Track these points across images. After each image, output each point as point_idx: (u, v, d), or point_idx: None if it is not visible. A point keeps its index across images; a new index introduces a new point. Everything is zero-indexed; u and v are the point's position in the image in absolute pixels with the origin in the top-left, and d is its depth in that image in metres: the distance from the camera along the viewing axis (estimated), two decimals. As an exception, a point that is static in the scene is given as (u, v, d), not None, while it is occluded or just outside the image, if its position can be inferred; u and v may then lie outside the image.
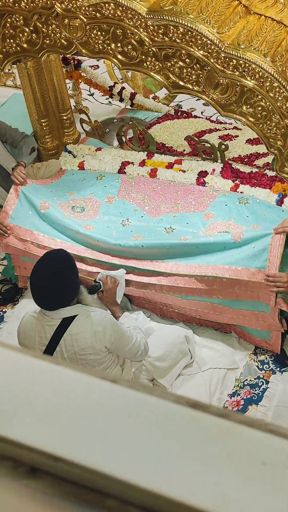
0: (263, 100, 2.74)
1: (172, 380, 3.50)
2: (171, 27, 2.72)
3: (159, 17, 2.71)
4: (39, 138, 4.71)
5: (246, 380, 3.55)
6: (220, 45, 2.67)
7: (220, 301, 3.63)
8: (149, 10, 2.71)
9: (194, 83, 2.85)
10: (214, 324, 3.81)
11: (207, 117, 5.24)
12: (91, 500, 0.59)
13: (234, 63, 2.70)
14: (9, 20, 3.06)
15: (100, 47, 2.94)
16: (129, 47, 2.88)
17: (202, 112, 5.65)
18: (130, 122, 4.59)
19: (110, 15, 2.81)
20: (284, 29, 2.77)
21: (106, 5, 2.79)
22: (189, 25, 2.67)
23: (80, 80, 5.24)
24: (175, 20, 2.68)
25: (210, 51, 2.70)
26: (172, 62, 2.84)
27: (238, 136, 4.57)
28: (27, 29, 3.05)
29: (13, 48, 3.15)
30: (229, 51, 2.67)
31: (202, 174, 4.06)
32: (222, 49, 2.67)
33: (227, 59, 2.69)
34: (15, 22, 3.05)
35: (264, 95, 2.72)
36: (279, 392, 3.42)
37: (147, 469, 0.59)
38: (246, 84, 2.72)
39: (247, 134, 4.50)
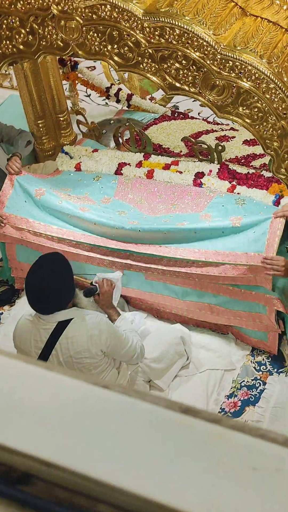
0: (260, 102, 2.74)
1: (168, 381, 3.50)
2: (167, 28, 2.72)
3: (155, 18, 2.71)
4: (35, 139, 4.71)
5: (243, 381, 3.55)
6: (216, 47, 2.67)
7: (217, 301, 3.63)
8: (145, 12, 2.71)
9: (190, 85, 2.85)
10: (211, 325, 3.81)
11: (204, 118, 5.24)
12: (84, 506, 0.59)
13: (230, 64, 2.69)
14: (5, 21, 3.06)
15: (97, 48, 2.94)
16: (125, 48, 2.88)
17: (199, 113, 5.64)
18: (127, 123, 4.58)
19: (106, 16, 2.81)
20: (280, 30, 2.77)
21: (103, 6, 2.79)
22: (185, 26, 2.67)
23: (76, 81, 5.24)
24: (171, 21, 2.68)
25: (206, 52, 2.70)
26: (169, 64, 2.83)
27: (234, 137, 4.57)
28: (23, 31, 3.05)
29: (9, 50, 3.14)
30: (225, 52, 2.67)
31: (199, 175, 4.06)
32: (218, 50, 2.67)
33: (223, 61, 2.69)
34: (11, 23, 3.05)
35: (260, 97, 2.72)
36: (276, 393, 3.42)
37: (138, 474, 0.59)
38: (242, 86, 2.72)
39: (243, 135, 4.50)
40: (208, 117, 5.31)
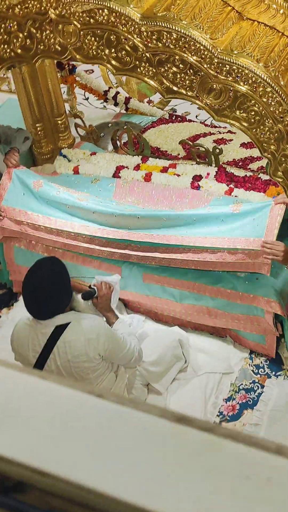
0: (256, 105, 2.75)
1: (167, 385, 3.50)
2: (165, 33, 2.72)
3: (153, 23, 2.71)
4: (34, 143, 4.72)
5: (242, 384, 3.55)
6: (213, 51, 2.67)
7: (215, 304, 3.64)
8: (143, 16, 2.72)
9: (187, 88, 2.85)
10: (209, 328, 3.81)
11: (202, 121, 5.25)
12: (78, 514, 0.59)
13: (227, 68, 2.70)
14: (2, 25, 3.06)
15: (94, 52, 2.94)
16: (123, 52, 2.88)
17: (196, 116, 5.65)
18: (125, 126, 4.59)
19: (104, 21, 2.81)
20: (277, 34, 2.77)
21: (100, 11, 2.80)
22: (182, 31, 2.67)
23: (74, 85, 5.25)
24: (168, 26, 2.68)
25: (203, 56, 2.71)
26: (166, 68, 2.84)
27: (232, 140, 4.58)
28: (21, 35, 3.05)
29: (7, 54, 3.15)
30: (222, 56, 2.68)
31: (197, 178, 4.06)
32: (215, 54, 2.67)
33: (220, 65, 2.70)
34: (9, 27, 3.05)
35: (257, 100, 2.72)
36: (275, 397, 3.43)
37: (132, 483, 0.59)
38: (239, 89, 2.72)
39: (241, 138, 4.51)
40: (205, 120, 5.32)
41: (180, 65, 2.79)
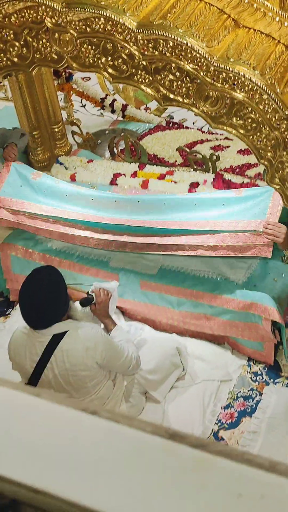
0: (253, 112, 2.75)
1: (165, 393, 3.49)
2: (161, 41, 2.73)
3: (149, 31, 2.72)
4: (30, 150, 4.72)
5: (240, 392, 3.54)
6: (209, 59, 2.68)
7: (213, 311, 3.63)
8: (139, 25, 2.72)
9: (184, 96, 2.86)
10: (207, 336, 3.81)
11: (199, 128, 5.25)
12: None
13: (224, 76, 2.70)
14: (-1, 34, 3.07)
15: (91, 61, 2.95)
16: (119, 61, 2.89)
17: (193, 123, 5.66)
18: (122, 134, 4.60)
19: (100, 29, 2.82)
20: (273, 42, 2.78)
21: (96, 19, 2.80)
22: (178, 39, 2.68)
23: (71, 92, 5.26)
24: (164, 34, 2.69)
25: (199, 64, 2.71)
26: (162, 76, 2.84)
27: (229, 146, 4.58)
28: (17, 44, 3.06)
29: (4, 62, 3.15)
30: (218, 64, 2.68)
31: (194, 185, 4.07)
32: (212, 62, 2.68)
33: (216, 72, 2.70)
34: (5, 36, 3.06)
35: (254, 108, 2.73)
36: (273, 404, 3.42)
37: (124, 501, 0.59)
38: (236, 97, 2.73)
39: (238, 145, 4.51)
40: (202, 127, 5.33)
41: (177, 73, 2.79)
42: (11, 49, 3.09)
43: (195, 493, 0.59)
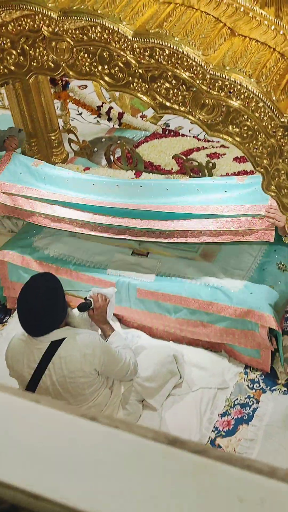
0: (249, 120, 2.76)
1: (162, 400, 3.49)
2: (157, 49, 2.74)
3: (145, 39, 2.73)
4: (27, 158, 4.73)
5: (237, 399, 3.54)
6: (205, 67, 2.69)
7: (209, 319, 3.63)
8: (135, 33, 2.74)
9: (180, 104, 2.87)
10: (203, 343, 3.81)
11: (195, 136, 5.27)
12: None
13: (220, 84, 2.71)
14: (-4, 43, 3.08)
15: (87, 69, 2.96)
16: (116, 69, 2.90)
17: (189, 130, 5.67)
18: (118, 141, 4.61)
19: (96, 38, 2.83)
20: (268, 50, 2.79)
21: (93, 28, 2.82)
22: (174, 47, 2.69)
23: (68, 100, 5.27)
24: (161, 42, 2.70)
25: (195, 72, 2.72)
26: (159, 84, 2.85)
27: (225, 154, 4.60)
28: (14, 52, 3.07)
29: (1, 71, 3.16)
30: (214, 72, 2.69)
31: (190, 192, 4.07)
32: (208, 70, 2.69)
33: (212, 80, 2.72)
34: (2, 45, 3.07)
35: (250, 115, 2.74)
36: (270, 412, 3.41)
37: (125, 507, 0.59)
38: (232, 105, 2.74)
39: (234, 152, 4.53)
40: (198, 135, 5.34)
41: (173, 81, 2.80)
42: (8, 58, 3.10)
43: (196, 498, 0.60)
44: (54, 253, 4.07)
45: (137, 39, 2.74)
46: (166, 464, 0.63)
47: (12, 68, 3.13)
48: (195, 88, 2.76)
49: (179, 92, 2.83)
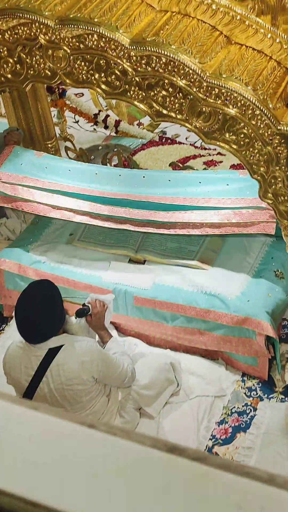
0: (246, 128, 2.77)
1: (159, 409, 3.48)
2: (154, 57, 2.75)
3: (142, 48, 2.74)
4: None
5: (234, 407, 3.53)
6: (202, 75, 2.69)
7: (206, 326, 3.63)
8: (132, 41, 2.74)
9: (177, 112, 2.87)
10: (200, 351, 3.80)
11: (191, 143, 5.28)
12: None
13: (216, 92, 2.72)
14: (-7, 51, 3.09)
15: (84, 77, 2.96)
16: (112, 77, 2.90)
17: (186, 138, 5.68)
18: (115, 149, 4.62)
19: (93, 46, 2.84)
20: (265, 58, 2.80)
21: (90, 36, 2.82)
22: (171, 55, 2.70)
23: (65, 108, 5.28)
24: (157, 50, 2.71)
25: (192, 80, 2.73)
26: (155, 91, 2.86)
27: (222, 161, 4.61)
28: (11, 60, 3.07)
29: (-2, 79, 3.17)
30: (211, 80, 2.70)
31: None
32: (204, 78, 2.70)
33: (209, 88, 2.72)
34: (-1, 53, 3.07)
35: (247, 123, 2.75)
36: (267, 419, 3.40)
37: (124, 515, 0.59)
38: (229, 112, 2.75)
39: (231, 160, 4.54)
40: (195, 142, 5.35)
41: (170, 89, 2.81)
42: (5, 66, 3.10)
43: (195, 506, 0.59)
44: (51, 261, 4.06)
45: (134, 47, 2.75)
46: (165, 471, 0.62)
47: (9, 76, 3.13)
48: (191, 96, 2.77)
49: (176, 100, 2.84)
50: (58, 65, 2.97)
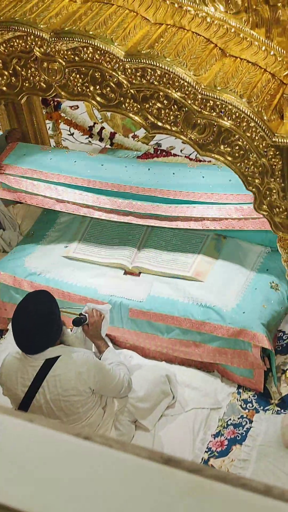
0: (240, 140, 2.78)
1: (154, 421, 3.46)
2: (149, 69, 2.76)
3: (137, 60, 2.75)
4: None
5: (230, 419, 3.51)
6: (197, 87, 2.71)
7: (202, 338, 3.62)
8: (127, 54, 2.76)
9: (172, 124, 2.88)
10: (196, 363, 3.79)
11: (186, 155, 5.29)
12: None
13: (211, 104, 2.73)
14: (-12, 64, 3.09)
15: (79, 89, 2.98)
16: (107, 89, 2.91)
17: (181, 150, 5.70)
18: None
19: (88, 58, 2.85)
20: (259, 70, 2.82)
21: (85, 49, 2.84)
22: (166, 68, 2.71)
23: (60, 121, 5.29)
24: (152, 63, 2.72)
25: (187, 92, 2.74)
26: (150, 104, 2.87)
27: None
28: (6, 73, 3.08)
29: (-7, 91, 3.18)
30: (206, 92, 2.71)
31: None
32: (199, 90, 2.71)
33: (204, 100, 2.73)
34: (-6, 65, 3.08)
35: (241, 135, 2.76)
36: (263, 432, 3.38)
37: (119, 528, 0.58)
38: (223, 124, 2.76)
39: (225, 172, 4.54)
40: (190, 154, 5.36)
41: (164, 101, 2.82)
42: (0, 78, 3.11)
43: (191, 518, 0.59)
44: (46, 273, 4.05)
45: (129, 59, 2.76)
46: (161, 483, 0.62)
47: (4, 88, 3.14)
48: (186, 108, 2.78)
49: (171, 112, 2.85)
50: (53, 77, 2.98)
